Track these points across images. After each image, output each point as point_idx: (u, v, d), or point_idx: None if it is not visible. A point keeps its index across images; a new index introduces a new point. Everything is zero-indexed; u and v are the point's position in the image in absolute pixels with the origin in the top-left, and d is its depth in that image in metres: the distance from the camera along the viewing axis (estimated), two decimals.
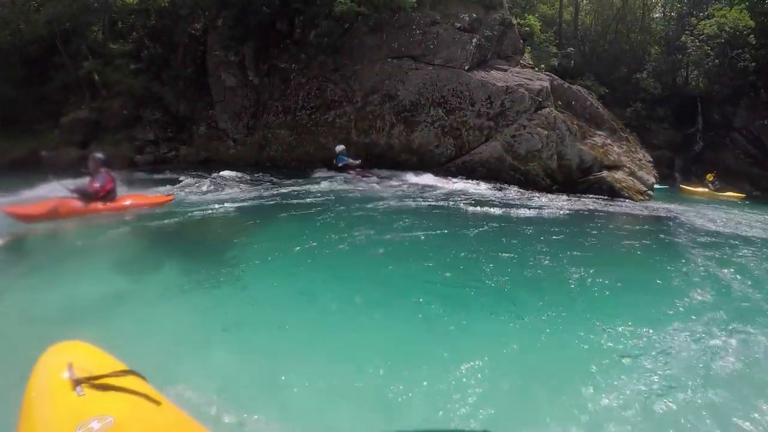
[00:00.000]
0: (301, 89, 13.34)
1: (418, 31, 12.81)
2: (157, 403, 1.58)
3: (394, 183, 10.58)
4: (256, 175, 10.85)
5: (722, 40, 18.99)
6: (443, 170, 11.21)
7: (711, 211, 12.07)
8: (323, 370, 2.89)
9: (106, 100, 14.79)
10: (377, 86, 12.33)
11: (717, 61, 19.10)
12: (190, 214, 6.63)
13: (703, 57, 19.27)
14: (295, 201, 8.06)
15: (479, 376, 2.95)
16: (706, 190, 16.19)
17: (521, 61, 13.62)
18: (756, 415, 2.92)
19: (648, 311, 4.42)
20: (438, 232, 6.78)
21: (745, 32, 18.68)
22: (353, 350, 3.22)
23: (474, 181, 10.87)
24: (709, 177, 16.67)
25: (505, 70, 12.66)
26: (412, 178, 10.87)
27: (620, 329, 3.92)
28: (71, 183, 6.50)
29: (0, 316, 3.60)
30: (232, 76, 15.00)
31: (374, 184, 10.25)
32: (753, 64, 18.61)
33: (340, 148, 11.35)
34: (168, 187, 8.99)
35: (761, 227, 10.04)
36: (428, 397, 2.73)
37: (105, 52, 15.12)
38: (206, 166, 13.13)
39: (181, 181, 9.59)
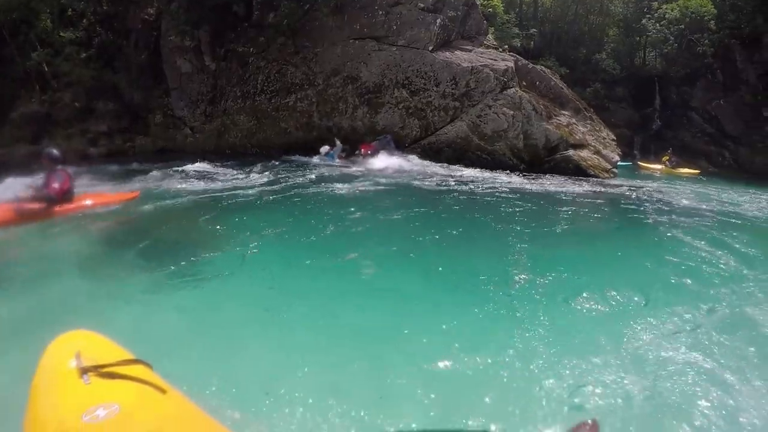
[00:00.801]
0: (260, 73, 12.82)
1: (380, 12, 12.46)
2: (163, 391, 1.58)
3: (358, 167, 10.27)
4: (216, 164, 10.32)
5: (683, 25, 19.42)
6: (409, 151, 10.93)
7: (671, 187, 12.42)
8: (312, 360, 2.84)
9: (57, 92, 13.85)
10: (339, 68, 11.95)
11: (676, 44, 19.54)
12: (157, 211, 6.12)
13: (663, 40, 19.70)
14: (258, 189, 7.67)
15: (440, 349, 2.99)
16: (663, 167, 16.50)
17: (485, 42, 13.44)
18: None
19: (615, 281, 4.47)
20: (404, 214, 6.67)
21: (706, 17, 19.12)
22: (323, 329, 3.23)
23: (440, 162, 10.66)
24: (666, 157, 17.00)
25: (470, 51, 12.46)
26: (376, 161, 10.56)
27: (589, 302, 3.97)
28: (26, 183, 5.80)
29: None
30: (188, 61, 14.31)
31: (340, 169, 9.91)
32: (711, 48, 19.12)
33: (324, 149, 10.90)
34: (128, 181, 8.34)
35: (716, 201, 10.41)
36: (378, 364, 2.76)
37: (54, 41, 14.18)
38: (164, 156, 12.50)
39: (140, 174, 8.95)
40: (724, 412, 2.58)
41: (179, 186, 7.87)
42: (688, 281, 4.52)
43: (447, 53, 12.10)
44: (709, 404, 2.66)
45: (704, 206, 9.52)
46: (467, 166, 10.74)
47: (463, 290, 4.16)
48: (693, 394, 2.77)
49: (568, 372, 2.87)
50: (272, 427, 2.24)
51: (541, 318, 3.62)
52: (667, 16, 19.90)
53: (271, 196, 7.18)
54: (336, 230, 5.60)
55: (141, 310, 3.43)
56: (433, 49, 12.01)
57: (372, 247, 5.04)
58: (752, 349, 3.33)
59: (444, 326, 3.35)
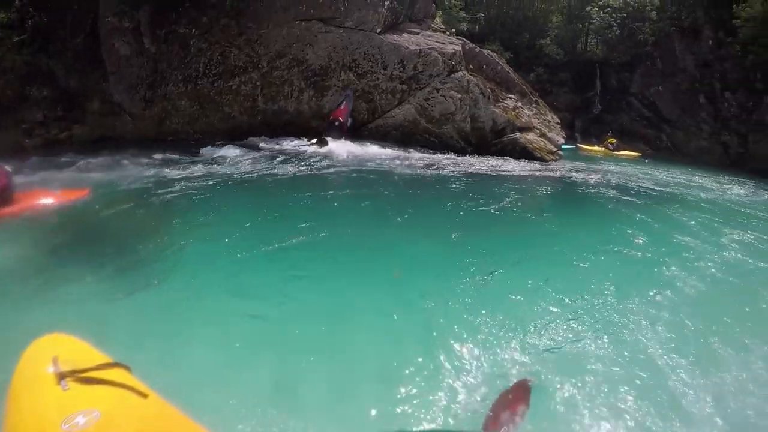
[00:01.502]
0: (202, 56, 12.28)
1: None
2: (144, 395, 1.55)
3: (303, 152, 10.06)
4: (161, 152, 9.67)
5: (625, 14, 20.20)
6: (356, 135, 10.80)
7: (613, 168, 13.01)
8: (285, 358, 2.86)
9: None
10: (284, 50, 11.61)
11: (618, 31, 20.30)
12: (110, 208, 5.52)
13: (605, 27, 20.43)
14: (203, 179, 7.20)
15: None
16: (602, 149, 17.10)
17: (433, 25, 13.45)
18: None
19: (559, 253, 5.00)
20: (353, 200, 6.71)
21: (647, 7, 19.93)
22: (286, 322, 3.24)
23: (387, 145, 10.62)
24: (611, 140, 17.65)
25: (417, 34, 12.42)
26: (338, 147, 10.38)
27: (527, 274, 4.32)
28: None
29: None
30: (127, 44, 13.50)
31: (293, 155, 9.65)
32: (652, 37, 19.99)
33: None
34: (72, 176, 7.53)
35: (652, 180, 11.04)
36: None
37: None
38: (103, 145, 11.77)
39: (83, 167, 8.17)
40: (647, 372, 2.83)
41: (128, 178, 7.17)
42: (625, 250, 5.11)
43: (395, 36, 12.00)
44: (632, 361, 2.94)
45: (643, 185, 10.16)
46: (418, 149, 10.76)
47: (405, 269, 4.28)
48: (618, 352, 3.05)
49: (504, 340, 3.03)
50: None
51: (481, 289, 3.79)
52: (610, 4, 20.62)
53: (222, 184, 6.90)
54: (285, 217, 5.61)
55: (103, 311, 3.22)
56: (380, 31, 11.87)
57: (328, 232, 5.03)
58: (683, 307, 3.77)
59: (384, 306, 3.48)
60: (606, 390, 2.59)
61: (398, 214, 5.98)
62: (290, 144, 10.49)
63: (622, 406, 2.48)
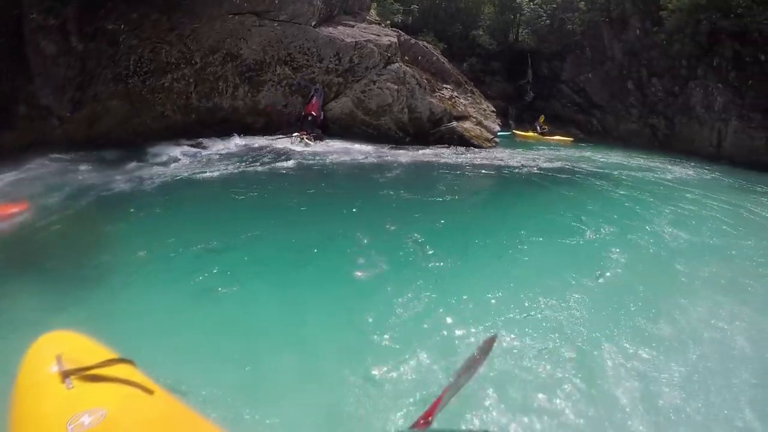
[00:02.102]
0: (132, 53, 11.84)
1: None
2: (150, 392, 1.51)
3: (236, 146, 9.98)
4: (91, 157, 9.29)
5: (555, 5, 21.10)
6: (292, 130, 10.82)
7: (548, 152, 13.67)
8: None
9: None
10: (218, 45, 11.43)
11: (548, 22, 21.19)
12: (52, 221, 5.18)
13: (536, 18, 21.27)
14: (144, 182, 7.09)
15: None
16: (536, 134, 17.85)
17: (368, 17, 13.61)
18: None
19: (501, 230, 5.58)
20: (298, 195, 6.87)
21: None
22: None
23: (326, 139, 10.72)
24: (541, 120, 18.42)
25: (353, 26, 12.54)
26: (258, 140, 10.36)
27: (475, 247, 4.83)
28: None
29: None
30: (53, 42, 12.75)
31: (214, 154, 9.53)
32: (581, 27, 20.98)
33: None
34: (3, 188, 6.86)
35: (585, 162, 11.76)
36: None
37: None
38: (33, 151, 11.14)
39: (15, 178, 7.53)
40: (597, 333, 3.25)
41: (66, 186, 6.72)
42: (558, 230, 5.70)
43: (330, 29, 12.07)
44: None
45: (576, 167, 10.92)
46: (353, 140, 10.91)
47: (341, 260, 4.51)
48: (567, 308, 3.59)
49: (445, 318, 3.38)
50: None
51: (418, 274, 4.12)
52: None
53: (161, 186, 6.81)
54: (229, 213, 5.80)
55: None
56: (315, 24, 11.89)
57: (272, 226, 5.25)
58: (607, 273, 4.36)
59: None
60: (533, 369, 2.87)
61: (340, 206, 6.19)
62: (266, 140, 10.42)
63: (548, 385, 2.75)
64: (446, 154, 10.88)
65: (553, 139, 17.44)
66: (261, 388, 2.59)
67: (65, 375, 1.47)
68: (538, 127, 18.16)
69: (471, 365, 2.21)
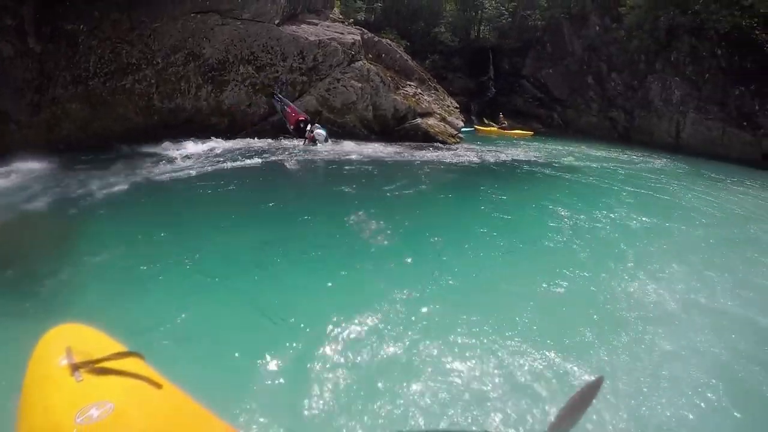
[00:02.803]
0: (92, 54, 11.62)
1: None
2: (159, 386, 1.52)
3: (199, 149, 9.89)
4: (54, 162, 8.86)
5: (516, 2, 21.63)
6: (257, 130, 10.89)
7: (511, 146, 14.14)
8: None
9: None
10: (180, 45, 11.34)
11: (509, 18, 21.71)
12: (13, 229, 5.09)
13: (497, 15, 21.74)
14: (95, 195, 6.71)
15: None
16: (497, 129, 18.36)
17: (331, 16, 13.74)
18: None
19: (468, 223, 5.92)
20: (268, 194, 7.04)
21: None
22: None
23: (291, 137, 10.82)
24: (501, 116, 18.93)
25: (316, 24, 12.65)
26: (222, 143, 10.39)
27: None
28: None
29: None
30: (9, 44, 12.35)
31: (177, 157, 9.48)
32: (541, 23, 21.56)
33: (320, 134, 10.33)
34: None
35: (545, 154, 12.21)
36: None
37: None
38: None
39: None
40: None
41: (35, 196, 6.40)
42: (519, 219, 6.20)
43: (293, 27, 12.14)
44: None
45: (537, 159, 11.41)
46: (333, 139, 11.00)
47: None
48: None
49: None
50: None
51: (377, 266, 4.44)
52: None
53: (138, 190, 6.82)
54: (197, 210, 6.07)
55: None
56: (279, 22, 11.94)
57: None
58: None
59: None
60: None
61: (307, 202, 6.48)
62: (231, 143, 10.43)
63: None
64: (409, 151, 11.14)
65: (514, 133, 17.93)
66: (261, 387, 2.71)
67: (75, 367, 1.49)
68: (501, 122, 18.62)
69: (573, 409, 2.02)
